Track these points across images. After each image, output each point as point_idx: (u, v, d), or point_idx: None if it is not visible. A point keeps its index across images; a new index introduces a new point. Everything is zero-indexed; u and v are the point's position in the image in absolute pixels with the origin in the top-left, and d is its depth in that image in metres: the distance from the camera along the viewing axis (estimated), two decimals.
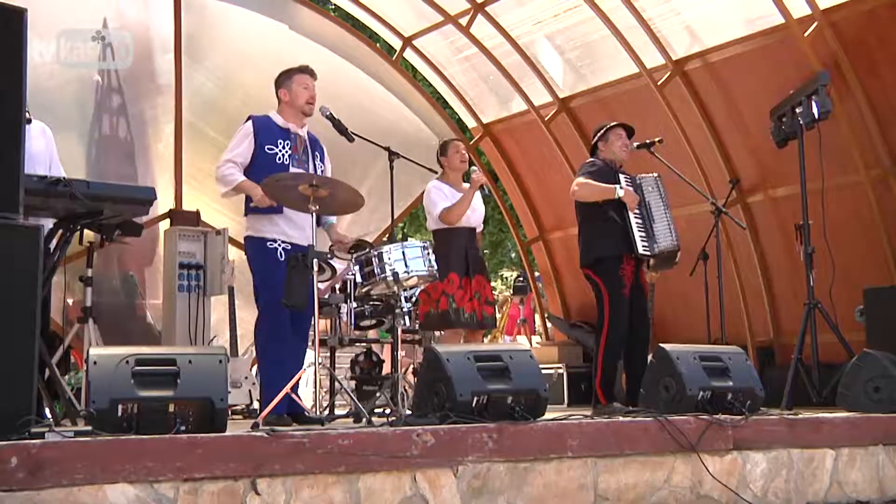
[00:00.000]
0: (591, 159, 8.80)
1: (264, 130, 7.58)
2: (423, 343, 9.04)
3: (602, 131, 8.84)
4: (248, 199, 7.55)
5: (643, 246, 8.40)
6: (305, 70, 7.78)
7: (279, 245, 7.48)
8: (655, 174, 8.67)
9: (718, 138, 11.55)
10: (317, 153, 7.78)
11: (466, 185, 8.91)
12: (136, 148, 11.47)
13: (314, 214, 6.83)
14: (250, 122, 7.63)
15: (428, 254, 7.26)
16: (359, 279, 7.26)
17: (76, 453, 4.35)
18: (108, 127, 11.24)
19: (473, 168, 8.89)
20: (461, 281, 8.65)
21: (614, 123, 8.89)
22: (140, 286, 11.44)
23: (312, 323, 7.12)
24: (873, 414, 7.18)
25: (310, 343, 7.68)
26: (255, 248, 7.57)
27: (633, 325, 8.49)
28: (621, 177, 8.51)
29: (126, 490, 4.42)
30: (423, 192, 9.03)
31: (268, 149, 7.51)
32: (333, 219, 7.98)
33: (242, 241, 7.86)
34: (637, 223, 8.41)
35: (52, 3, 10.78)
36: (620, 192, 8.39)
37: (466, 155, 9.07)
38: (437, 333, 9.10)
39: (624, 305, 8.42)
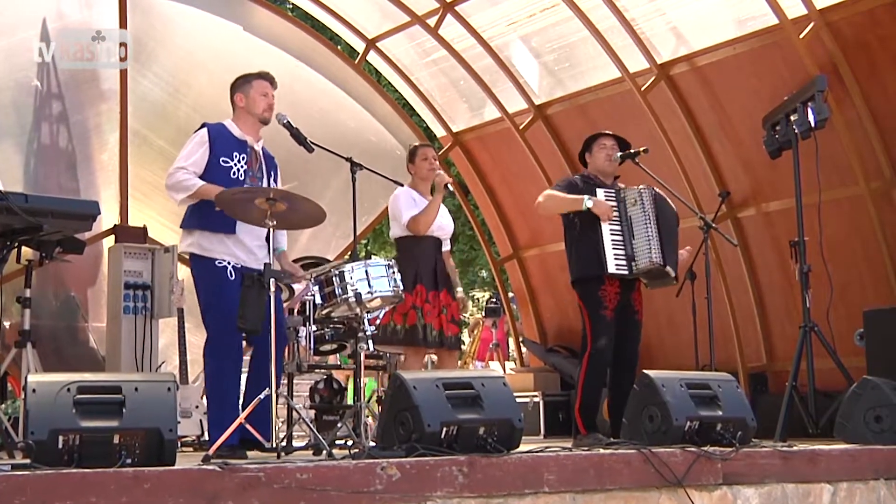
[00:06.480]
0: (571, 175, 8.80)
1: (220, 140, 7.53)
2: (388, 369, 9.02)
3: (587, 143, 8.88)
4: (195, 211, 7.47)
5: (617, 265, 8.34)
6: (266, 77, 7.76)
7: (228, 264, 7.41)
8: (643, 186, 8.59)
9: (707, 148, 11.58)
10: (271, 171, 7.78)
11: None
12: (79, 158, 11.42)
13: (272, 231, 6.82)
14: (205, 129, 7.58)
15: (393, 273, 7.26)
16: (318, 300, 7.26)
17: (13, 488, 4.34)
18: (48, 136, 11.18)
19: (437, 171, 8.84)
20: (428, 294, 8.53)
21: (598, 133, 8.90)
22: (82, 308, 11.41)
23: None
24: (874, 446, 7.19)
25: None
26: (203, 267, 7.49)
27: (620, 350, 8.49)
28: (600, 191, 8.47)
29: None
30: (387, 206, 8.98)
31: (222, 161, 7.47)
32: (283, 245, 7.96)
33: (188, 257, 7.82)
34: (615, 240, 8.36)
35: None
36: (589, 203, 8.34)
37: (436, 163, 8.92)
38: (401, 358, 9.03)
39: (606, 327, 8.39)
